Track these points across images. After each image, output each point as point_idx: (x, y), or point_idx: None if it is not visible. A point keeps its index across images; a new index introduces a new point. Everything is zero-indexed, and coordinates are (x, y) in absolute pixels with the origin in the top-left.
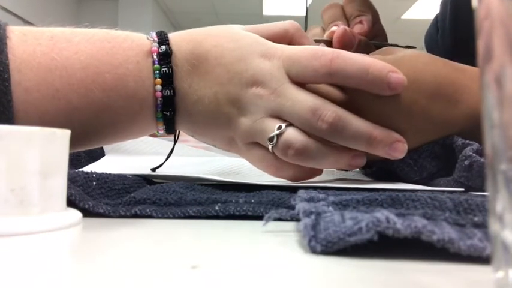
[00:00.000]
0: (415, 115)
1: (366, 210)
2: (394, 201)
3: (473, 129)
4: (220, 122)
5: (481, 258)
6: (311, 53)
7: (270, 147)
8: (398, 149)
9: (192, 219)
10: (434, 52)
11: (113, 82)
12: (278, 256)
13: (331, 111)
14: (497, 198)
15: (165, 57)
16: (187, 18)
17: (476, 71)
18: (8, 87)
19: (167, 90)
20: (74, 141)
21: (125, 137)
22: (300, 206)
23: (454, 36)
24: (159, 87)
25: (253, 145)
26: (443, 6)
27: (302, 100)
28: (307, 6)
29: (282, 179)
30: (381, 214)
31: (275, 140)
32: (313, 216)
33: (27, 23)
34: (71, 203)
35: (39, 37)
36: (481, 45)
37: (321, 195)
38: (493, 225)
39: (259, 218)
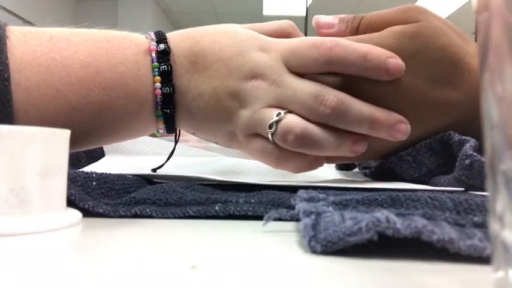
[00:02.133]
0: (416, 97)
1: (366, 210)
2: (394, 201)
3: (475, 114)
4: (221, 117)
5: (481, 258)
6: (310, 43)
7: (269, 135)
8: (401, 130)
9: (192, 219)
10: None
11: (113, 81)
12: (278, 256)
13: (333, 96)
14: (497, 198)
15: (164, 55)
16: (187, 17)
17: None
18: (8, 86)
19: (166, 88)
20: (74, 141)
21: (125, 137)
22: (300, 206)
23: None
24: (158, 84)
25: (254, 136)
26: None
27: (303, 87)
28: (307, 6)
29: (282, 179)
30: (381, 214)
31: (274, 126)
32: (313, 216)
33: (27, 23)
34: (71, 203)
35: (39, 37)
36: (479, 39)
37: (321, 195)
38: (493, 225)
39: (259, 218)
